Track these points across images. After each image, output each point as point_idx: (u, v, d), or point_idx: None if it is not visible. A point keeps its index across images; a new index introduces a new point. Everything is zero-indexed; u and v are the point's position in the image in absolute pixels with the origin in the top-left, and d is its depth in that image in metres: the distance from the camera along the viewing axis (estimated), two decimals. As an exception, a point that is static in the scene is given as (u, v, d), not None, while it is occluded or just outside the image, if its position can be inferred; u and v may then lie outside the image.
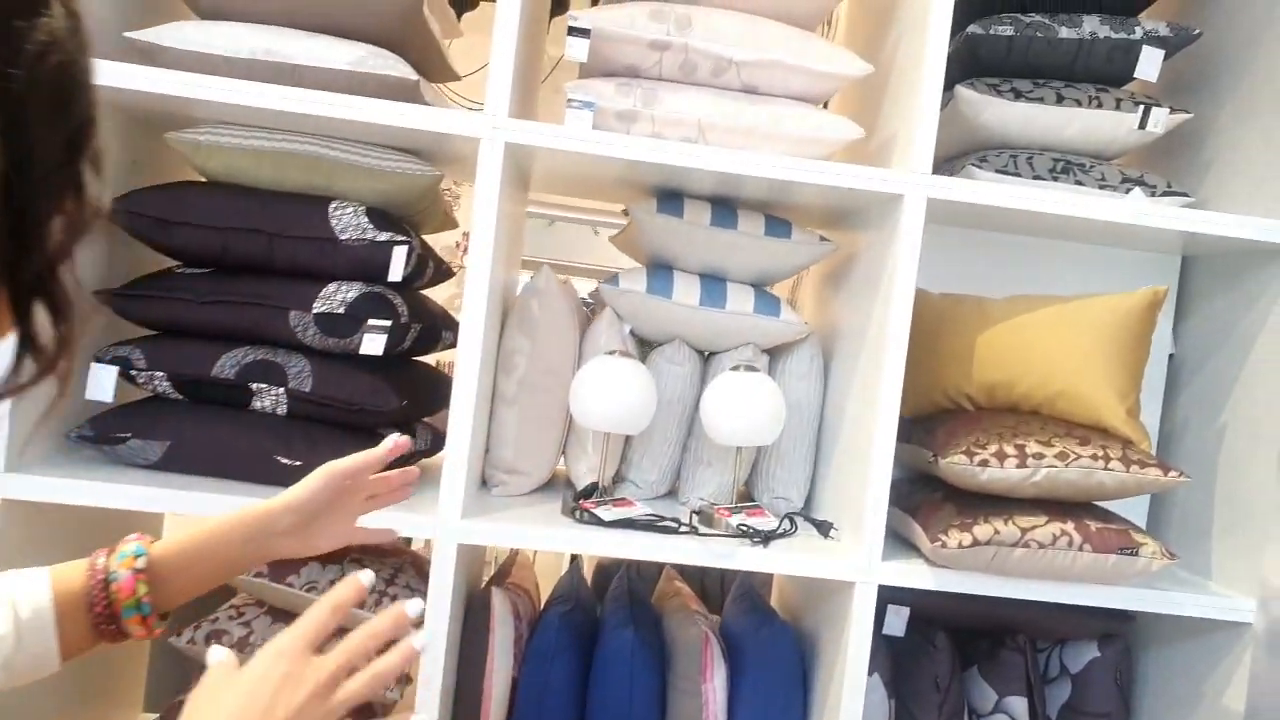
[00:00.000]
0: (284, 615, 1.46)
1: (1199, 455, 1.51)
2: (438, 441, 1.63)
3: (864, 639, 1.32)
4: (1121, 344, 1.33)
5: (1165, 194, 1.45)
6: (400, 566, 1.52)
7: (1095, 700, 1.53)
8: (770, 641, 1.44)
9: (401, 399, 1.40)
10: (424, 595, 1.45)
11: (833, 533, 1.42)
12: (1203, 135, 1.58)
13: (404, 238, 1.37)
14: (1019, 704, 1.49)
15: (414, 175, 1.39)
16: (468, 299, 1.30)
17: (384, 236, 1.36)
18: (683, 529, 1.35)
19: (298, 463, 1.32)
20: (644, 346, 1.60)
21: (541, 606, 1.64)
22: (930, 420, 1.46)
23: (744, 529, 1.34)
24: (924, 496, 1.40)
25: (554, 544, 1.30)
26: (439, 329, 1.59)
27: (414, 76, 1.33)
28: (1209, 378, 1.53)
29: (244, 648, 1.42)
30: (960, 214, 1.45)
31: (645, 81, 1.36)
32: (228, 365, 1.35)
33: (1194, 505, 1.51)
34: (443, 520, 1.29)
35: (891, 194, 1.32)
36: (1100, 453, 1.27)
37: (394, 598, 1.43)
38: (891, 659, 1.50)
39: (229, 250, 1.35)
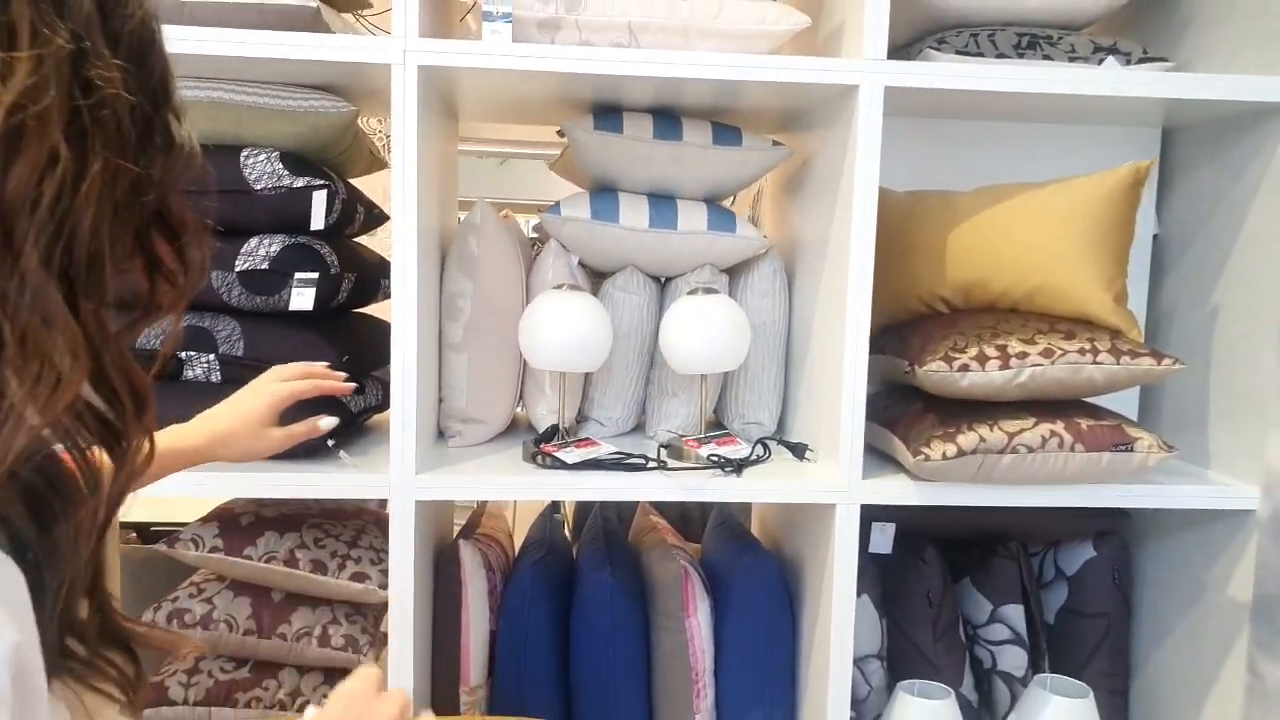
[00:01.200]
0: (245, 588, 1.40)
1: (1191, 340, 1.43)
2: (387, 395, 1.55)
3: (849, 562, 1.26)
4: (1103, 227, 1.24)
5: (1142, 60, 1.34)
6: (362, 528, 1.46)
7: (1094, 601, 1.48)
8: (752, 571, 1.38)
9: (342, 354, 1.31)
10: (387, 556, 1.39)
11: (808, 454, 1.35)
12: (1178, -6, 1.46)
13: (323, 181, 1.26)
14: (1015, 612, 1.44)
15: (327, 113, 1.28)
16: (396, 240, 1.20)
17: (301, 182, 1.25)
18: (651, 465, 1.27)
19: (236, 433, 1.24)
20: (596, 278, 1.51)
21: (515, 556, 1.58)
22: (904, 327, 1.37)
23: (715, 459, 1.27)
24: (903, 409, 1.33)
25: (516, 492, 1.23)
26: (377, 278, 1.50)
27: (313, 3, 1.21)
28: (1198, 256, 1.44)
29: (207, 624, 1.36)
30: (921, 103, 1.35)
31: (566, -16, 1.24)
32: (150, 336, 1.26)
33: (1188, 393, 1.44)
34: (396, 477, 1.22)
35: (845, 85, 1.21)
36: (1088, 346, 1.19)
37: (357, 560, 1.37)
38: (880, 577, 1.45)
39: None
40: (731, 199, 1.65)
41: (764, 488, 1.24)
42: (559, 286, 1.31)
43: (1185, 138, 1.49)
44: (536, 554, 1.48)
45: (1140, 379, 1.20)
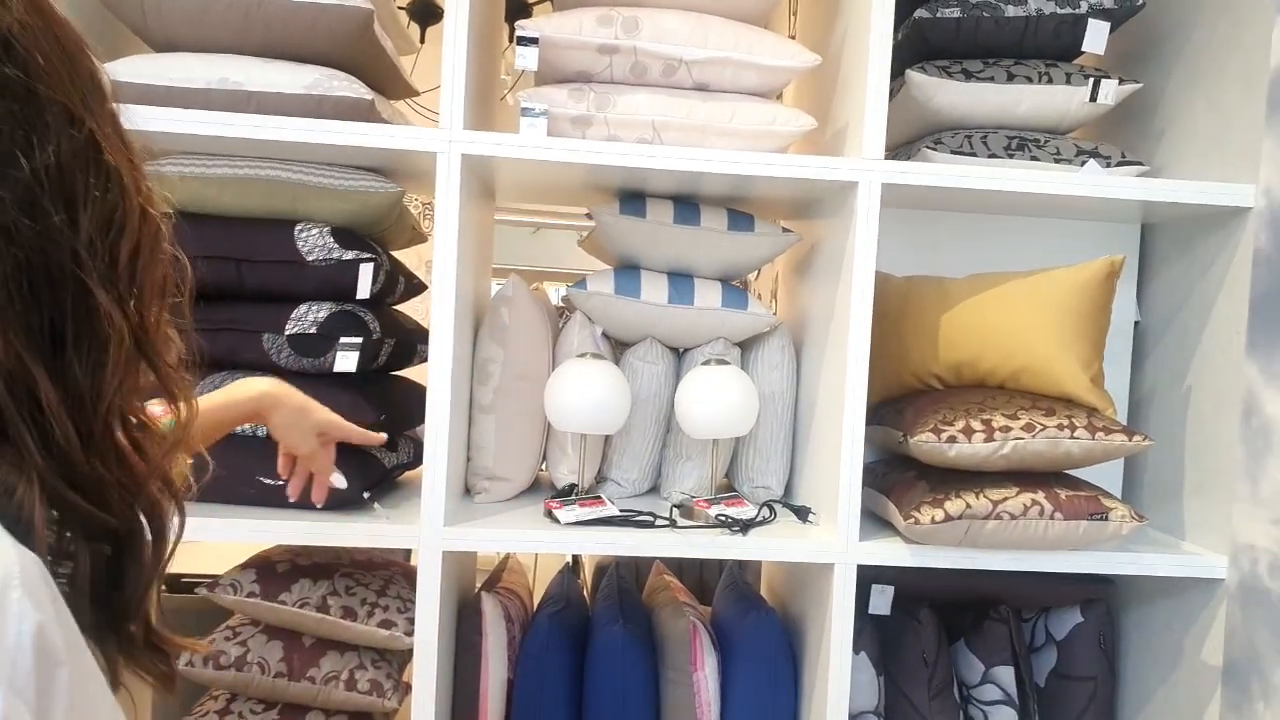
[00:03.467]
0: (278, 633, 1.48)
1: (1167, 419, 1.54)
2: (419, 453, 1.65)
3: (846, 618, 1.35)
4: (1081, 314, 1.35)
5: (1120, 164, 1.47)
6: (390, 578, 1.55)
7: (1081, 665, 1.55)
8: (757, 627, 1.46)
9: (379, 413, 1.42)
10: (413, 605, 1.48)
11: (811, 517, 1.45)
12: (1153, 104, 1.60)
13: (370, 255, 1.39)
14: (1006, 673, 1.52)
15: (376, 193, 1.41)
16: (435, 309, 1.32)
17: (350, 255, 1.38)
18: (661, 523, 1.37)
19: (280, 481, 1.34)
20: (618, 348, 1.63)
21: (534, 609, 1.66)
22: (899, 402, 1.48)
23: (722, 519, 1.37)
24: (897, 476, 1.43)
25: (534, 546, 1.33)
26: (414, 343, 1.62)
27: (369, 96, 1.35)
28: (1173, 343, 1.55)
29: (241, 666, 1.44)
30: (917, 197, 1.48)
31: (598, 85, 1.38)
32: (205, 391, 1.37)
33: (1165, 468, 1.54)
34: (425, 529, 1.31)
35: (846, 181, 1.34)
36: (1066, 422, 1.30)
37: (385, 608, 1.46)
38: (878, 637, 1.53)
39: (201, 278, 1.37)
40: (755, 274, 1.77)
41: (767, 546, 1.34)
42: (583, 355, 1.42)
43: (1161, 233, 1.62)
44: (554, 608, 1.57)
45: (1114, 453, 1.30)
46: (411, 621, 1.43)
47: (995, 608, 1.55)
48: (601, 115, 1.36)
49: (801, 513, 1.45)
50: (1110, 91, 1.48)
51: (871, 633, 1.51)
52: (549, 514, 1.38)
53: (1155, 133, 1.60)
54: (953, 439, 1.29)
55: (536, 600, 1.70)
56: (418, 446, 1.66)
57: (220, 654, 1.46)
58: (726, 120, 1.36)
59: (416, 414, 1.64)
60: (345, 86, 1.34)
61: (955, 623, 1.60)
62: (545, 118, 1.34)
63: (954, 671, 1.55)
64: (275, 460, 1.36)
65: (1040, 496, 1.30)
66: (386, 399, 1.51)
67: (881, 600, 1.53)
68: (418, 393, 1.69)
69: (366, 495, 1.37)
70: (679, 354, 1.62)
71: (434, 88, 1.60)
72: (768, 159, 1.33)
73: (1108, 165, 1.47)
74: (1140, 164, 1.48)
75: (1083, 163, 1.47)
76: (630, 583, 1.73)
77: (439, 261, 1.32)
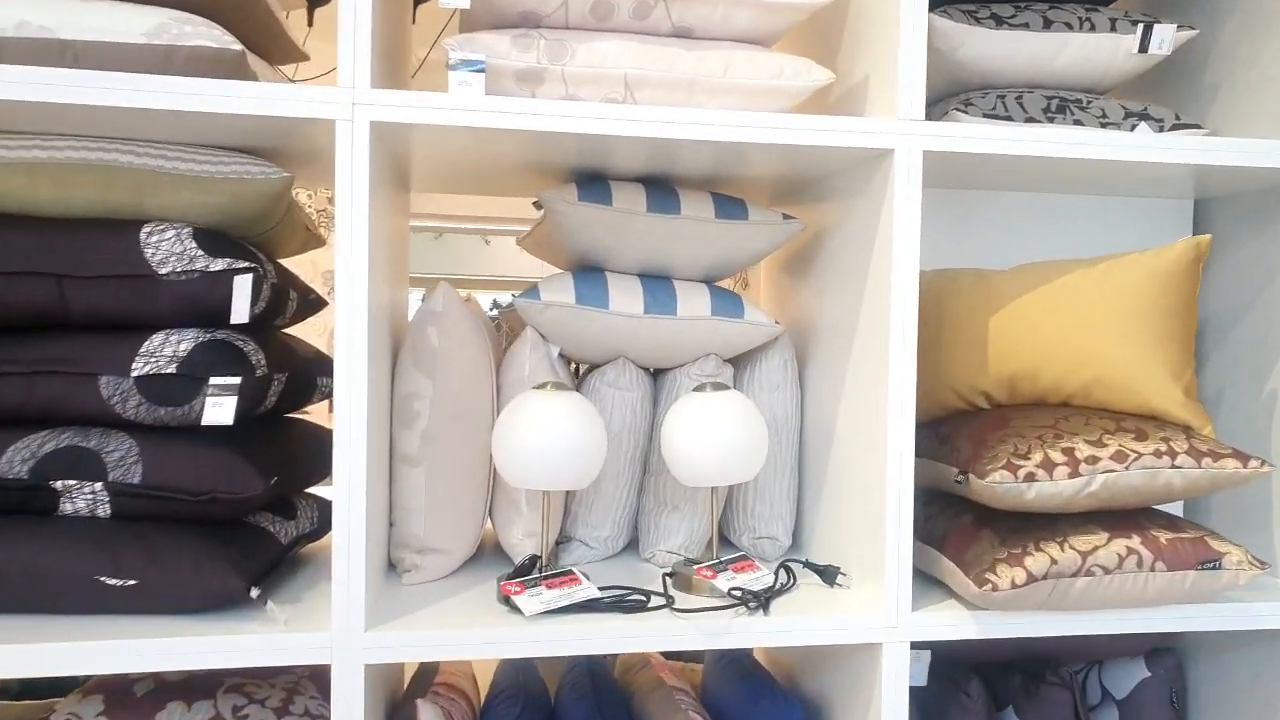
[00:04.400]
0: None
1: (1243, 430, 1.29)
2: (326, 518, 1.29)
3: (899, 710, 1.05)
4: (1165, 310, 1.09)
5: (1175, 127, 1.22)
6: (295, 687, 1.18)
7: (1151, 729, 1.30)
8: (778, 725, 1.15)
9: (269, 475, 1.05)
10: (328, 726, 1.12)
11: (840, 579, 1.15)
12: (1202, 57, 1.36)
13: (248, 264, 1.02)
14: (1073, 752, 1.25)
15: (253, 180, 1.05)
16: (340, 331, 0.97)
17: (220, 265, 1.01)
18: (654, 604, 1.04)
19: (130, 582, 0.97)
20: (575, 372, 1.29)
21: (481, 705, 1.31)
22: (941, 426, 1.19)
23: (736, 594, 1.05)
24: (948, 522, 1.14)
25: (492, 650, 0.98)
26: (313, 376, 1.25)
27: (236, 46, 0.99)
28: (1246, 339, 1.31)
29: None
30: (951, 170, 1.19)
31: (549, 31, 1.05)
32: (18, 460, 0.99)
33: (1241, 491, 1.29)
34: (340, 637, 0.96)
35: (878, 150, 1.04)
36: (1164, 447, 1.03)
37: (289, 735, 1.09)
38: (916, 713, 1.23)
39: (3, 304, 0.98)
40: (737, 278, 1.46)
41: (800, 628, 1.03)
42: (542, 386, 1.08)
43: (1220, 210, 1.37)
44: (509, 709, 1.22)
45: (1223, 483, 1.04)
46: (324, 750, 1.07)
47: (1053, 669, 1.27)
48: (557, 68, 1.03)
49: (828, 574, 1.14)
50: (1166, 39, 1.23)
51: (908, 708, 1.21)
52: (506, 601, 1.04)
53: (1205, 91, 1.35)
54: (1031, 476, 1.01)
55: (484, 691, 1.36)
56: (323, 509, 1.30)
57: (57, 815, 1.06)
58: (720, 73, 1.05)
59: (320, 467, 1.28)
60: (204, 34, 0.98)
61: (998, 685, 1.32)
62: (481, 72, 1.00)
63: (1007, 751, 1.27)
64: (121, 551, 0.98)
65: (1136, 542, 1.02)
66: (278, 453, 1.14)
67: (918, 668, 1.23)
68: (321, 440, 1.33)
69: (255, 593, 1.00)
70: (652, 375, 1.30)
71: (329, 70, 1.23)
72: (781, 121, 1.02)
73: (1160, 129, 1.22)
74: (1198, 126, 1.22)
75: (1132, 126, 1.21)
76: (601, 661, 1.39)
77: (343, 266, 0.97)
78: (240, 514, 1.09)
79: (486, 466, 1.19)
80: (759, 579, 1.10)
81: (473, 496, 1.19)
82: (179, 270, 1.00)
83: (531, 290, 1.18)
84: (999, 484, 1.00)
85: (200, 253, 1.01)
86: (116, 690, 1.09)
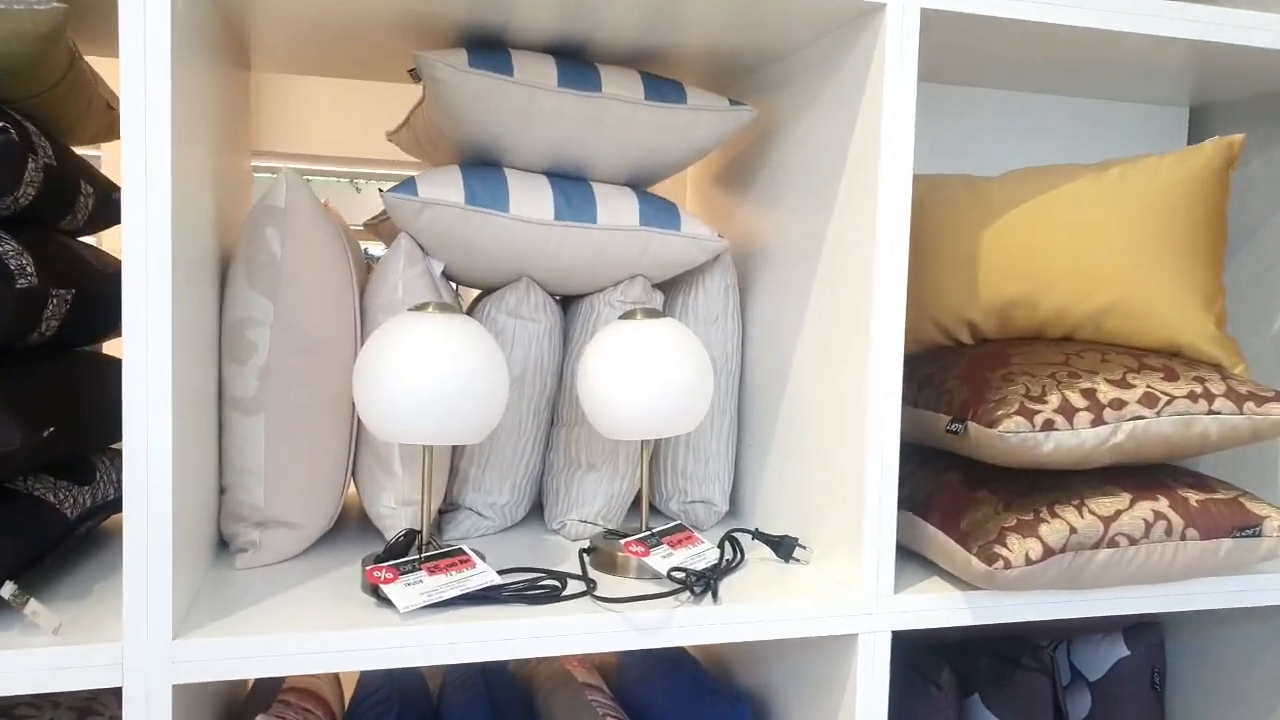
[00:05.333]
0: None
1: (1255, 365, 1.13)
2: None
3: (876, 713, 0.84)
4: (1193, 223, 0.90)
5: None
6: (87, 706, 0.88)
7: (1129, 713, 1.14)
8: (723, 736, 0.92)
9: (37, 425, 0.75)
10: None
11: (799, 553, 0.93)
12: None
13: (-9, 121, 0.71)
14: (1053, 746, 1.07)
15: (9, 12, 0.73)
16: (128, 227, 0.68)
17: (-58, 120, 0.70)
18: (570, 592, 0.80)
19: None
20: (461, 296, 1.03)
21: (344, 712, 1.04)
22: (922, 365, 0.98)
23: (679, 576, 0.81)
24: (929, 482, 0.93)
25: (351, 660, 0.72)
26: (116, 296, 0.94)
27: None
28: (1249, 271, 1.14)
29: None
30: (931, 54, 0.97)
31: None
32: None
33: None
34: (137, 648, 0.68)
35: (867, 5, 0.81)
36: (1199, 389, 0.84)
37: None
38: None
39: None
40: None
41: (755, 618, 0.80)
42: (422, 307, 0.81)
43: (1218, 118, 1.20)
44: (378, 712, 0.97)
45: (1265, 433, 0.86)
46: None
47: (1029, 650, 1.09)
48: None
49: (783, 547, 0.92)
50: None
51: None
52: (374, 591, 0.78)
53: (1209, -17, 1.17)
54: (1050, 424, 0.80)
55: (348, 696, 1.09)
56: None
57: None
58: (663, -108, 0.79)
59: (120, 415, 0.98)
60: None
61: (964, 668, 1.14)
62: None
63: (976, 745, 1.09)
64: None
65: (1164, 505, 0.84)
66: (61, 398, 0.84)
67: (878, 656, 1.03)
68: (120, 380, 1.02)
69: (7, 590, 0.71)
70: (561, 305, 1.05)
71: None
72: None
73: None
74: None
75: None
76: (498, 653, 1.14)
77: (133, 133, 0.67)
78: (3, 475, 0.78)
79: (347, 414, 0.92)
80: (700, 554, 0.87)
81: (329, 453, 0.91)
82: (-123, 126, 0.68)
83: (406, 184, 0.90)
84: (1012, 434, 0.79)
85: (-88, 102, 0.69)
86: None
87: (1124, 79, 1.11)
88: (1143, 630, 1.15)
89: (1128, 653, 1.15)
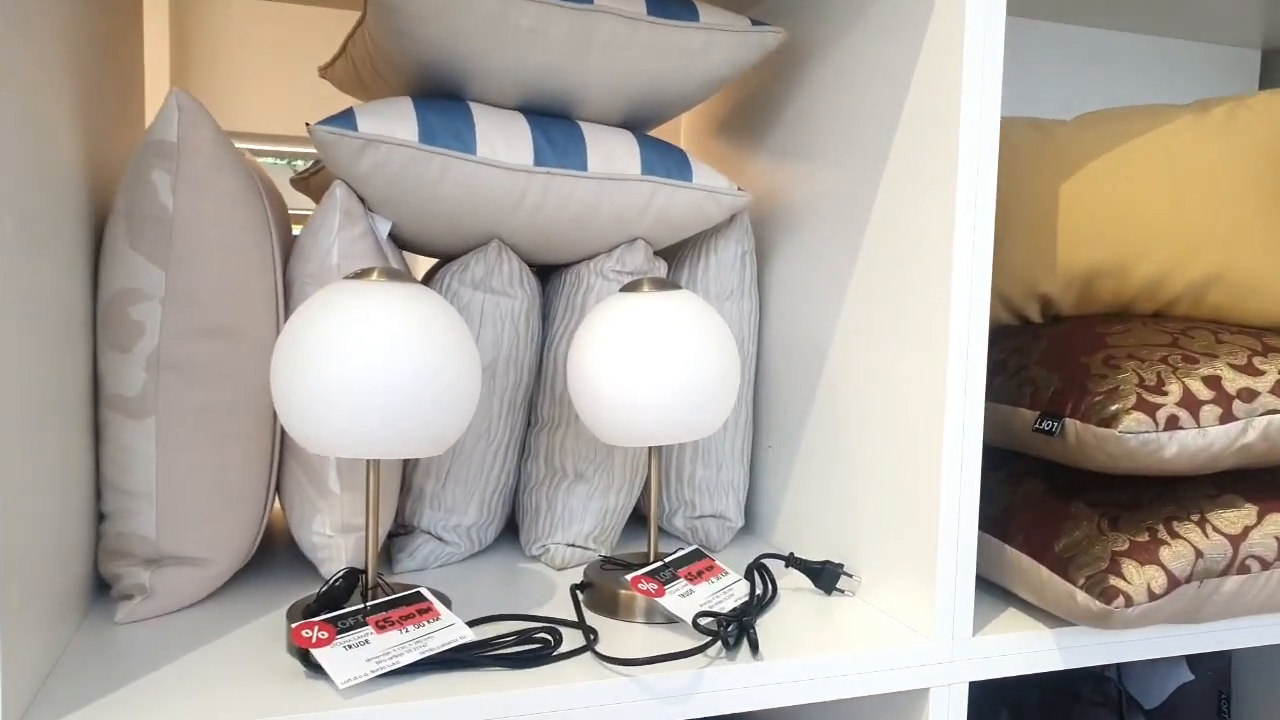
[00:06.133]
0: None
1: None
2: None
3: (944, 790, 0.67)
4: (1317, 174, 0.74)
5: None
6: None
7: (1192, 747, 0.99)
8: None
9: None
10: None
11: (843, 582, 0.75)
12: None
13: None
14: (1123, 795, 0.92)
15: None
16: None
17: None
18: (562, 649, 0.61)
19: None
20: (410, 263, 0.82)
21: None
22: (991, 346, 0.80)
23: (707, 623, 0.63)
24: (1007, 493, 0.76)
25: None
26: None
27: None
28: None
29: None
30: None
31: None
32: None
33: None
34: (-56, 762, 0.47)
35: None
36: (1340, 375, 0.68)
37: None
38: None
39: None
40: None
41: (804, 675, 0.62)
42: (364, 274, 0.61)
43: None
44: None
45: None
46: None
47: (1095, 682, 0.94)
48: None
49: (825, 575, 0.74)
50: None
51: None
52: (303, 657, 0.57)
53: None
54: (1174, 422, 0.63)
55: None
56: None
57: None
58: None
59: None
60: None
61: (1021, 706, 0.98)
62: None
63: (1029, 794, 0.93)
64: None
65: (1297, 519, 0.68)
66: None
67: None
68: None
69: None
70: (540, 277, 0.85)
71: None
72: None
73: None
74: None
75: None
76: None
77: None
78: None
79: (267, 416, 0.71)
80: (727, 589, 0.69)
81: (243, 467, 0.70)
82: None
83: (342, 116, 0.70)
84: (1132, 435, 0.62)
85: None
86: None
87: (1196, 14, 0.94)
88: (1208, 652, 1.00)
89: (1191, 677, 1.00)
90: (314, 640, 0.57)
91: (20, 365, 0.51)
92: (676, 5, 0.77)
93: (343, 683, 0.54)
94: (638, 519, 0.95)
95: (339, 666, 0.55)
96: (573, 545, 0.79)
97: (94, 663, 0.59)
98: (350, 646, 0.57)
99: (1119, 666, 1.07)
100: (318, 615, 0.59)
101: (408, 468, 0.79)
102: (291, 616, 0.62)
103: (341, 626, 0.58)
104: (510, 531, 0.88)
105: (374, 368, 0.56)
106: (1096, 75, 1.04)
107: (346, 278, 0.61)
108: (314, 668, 0.58)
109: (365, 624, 0.59)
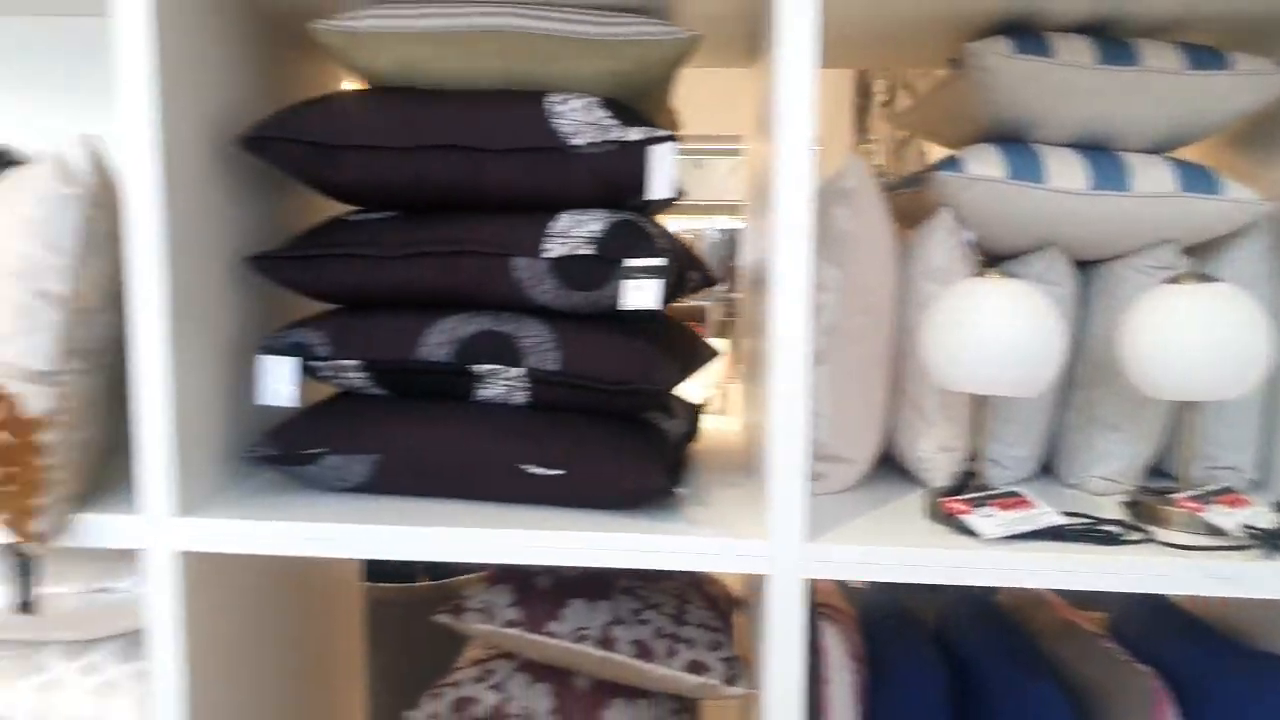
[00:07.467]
0: (543, 672, 1.08)
1: None
2: (696, 420, 1.21)
3: None
4: None
5: None
6: (684, 596, 1.11)
7: None
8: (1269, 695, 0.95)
9: (679, 369, 0.98)
10: (726, 637, 1.05)
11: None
12: None
13: (663, 131, 0.92)
14: None
15: (659, 42, 0.94)
16: (781, 210, 0.85)
17: (636, 134, 0.92)
18: (1126, 536, 0.87)
19: (555, 472, 0.92)
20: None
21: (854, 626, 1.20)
22: None
23: (1250, 531, 0.86)
24: None
25: (948, 574, 0.85)
26: (685, 267, 1.16)
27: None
28: None
29: (500, 718, 1.04)
30: None
31: None
32: (436, 343, 0.95)
33: None
34: (782, 546, 0.86)
35: None
36: None
37: (690, 643, 1.02)
38: None
39: (422, 180, 0.94)
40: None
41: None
42: (984, 273, 0.92)
43: None
44: (905, 642, 1.10)
45: None
46: (727, 663, 1.00)
47: None
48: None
49: (1336, 512, 0.92)
50: None
51: None
52: (951, 519, 0.90)
53: None
54: None
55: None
56: (691, 411, 1.21)
57: (471, 701, 1.06)
58: None
59: (689, 364, 1.20)
60: None
61: None
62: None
63: None
64: (545, 439, 0.93)
65: None
66: (669, 349, 1.05)
67: None
68: (688, 338, 1.24)
69: (683, 492, 0.93)
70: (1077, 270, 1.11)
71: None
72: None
73: None
74: None
75: None
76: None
77: (785, 143, 0.84)
78: (644, 408, 1.02)
79: (887, 368, 1.05)
80: (1257, 515, 0.90)
81: (876, 401, 1.05)
82: (593, 141, 0.92)
83: (951, 162, 1.01)
84: None
85: (614, 122, 0.92)
86: (521, 584, 1.06)
87: None
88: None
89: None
90: (959, 509, 0.89)
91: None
92: (1206, 55, 0.98)
93: (986, 536, 0.86)
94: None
95: (982, 526, 0.87)
96: (1105, 479, 1.04)
97: (815, 513, 0.96)
98: (983, 516, 0.89)
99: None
100: (955, 497, 0.92)
101: (978, 409, 1.09)
102: (934, 497, 0.94)
103: (975, 503, 0.91)
104: (1044, 467, 1.15)
105: (1007, 335, 0.87)
106: None
107: (974, 277, 0.93)
108: (958, 529, 0.90)
109: (988, 505, 0.91)
